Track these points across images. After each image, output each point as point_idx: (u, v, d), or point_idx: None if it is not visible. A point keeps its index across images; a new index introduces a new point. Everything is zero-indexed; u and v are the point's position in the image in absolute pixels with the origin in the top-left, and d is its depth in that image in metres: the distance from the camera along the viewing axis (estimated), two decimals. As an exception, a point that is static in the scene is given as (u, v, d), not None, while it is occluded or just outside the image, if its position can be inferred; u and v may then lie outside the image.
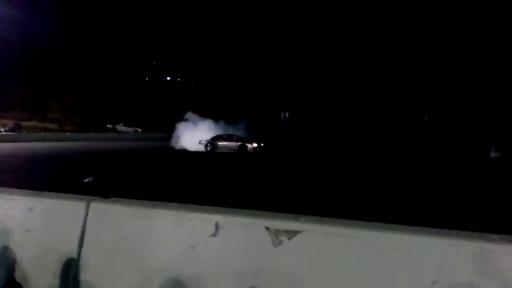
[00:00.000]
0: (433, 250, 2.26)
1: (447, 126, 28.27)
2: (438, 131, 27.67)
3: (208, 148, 29.01)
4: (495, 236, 2.21)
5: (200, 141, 29.48)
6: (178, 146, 30.41)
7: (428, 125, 31.33)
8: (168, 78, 57.01)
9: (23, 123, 43.47)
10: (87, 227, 3.00)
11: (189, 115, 32.95)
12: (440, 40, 31.03)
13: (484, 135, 24.82)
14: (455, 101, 28.25)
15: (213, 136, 30.01)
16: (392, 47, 33.62)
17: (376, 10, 34.87)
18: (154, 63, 54.74)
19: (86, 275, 2.91)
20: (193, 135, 30.50)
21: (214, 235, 2.62)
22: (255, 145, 28.39)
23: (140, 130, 47.49)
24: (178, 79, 56.68)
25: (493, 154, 24.12)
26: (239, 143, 28.60)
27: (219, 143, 29.14)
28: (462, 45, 29.67)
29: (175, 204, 2.92)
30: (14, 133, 38.20)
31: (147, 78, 55.41)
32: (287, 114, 37.25)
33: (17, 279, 3.05)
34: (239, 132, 30.88)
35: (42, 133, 40.39)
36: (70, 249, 2.97)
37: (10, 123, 42.37)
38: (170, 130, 33.19)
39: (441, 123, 29.69)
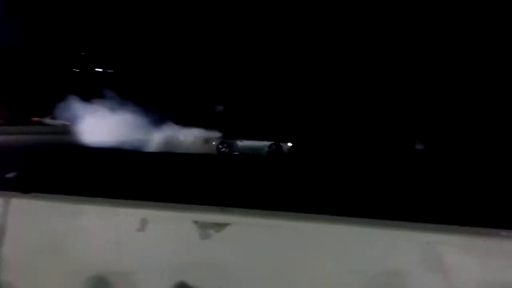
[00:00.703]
0: (363, 239, 2.37)
1: (374, 118, 29.21)
2: (365, 124, 28.51)
3: (222, 149, 21.63)
4: (436, 226, 2.33)
5: (206, 140, 22.30)
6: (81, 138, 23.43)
7: (356, 118, 32.24)
8: (100, 70, 55.08)
9: None
10: (7, 225, 2.86)
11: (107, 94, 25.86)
12: (368, 31, 31.82)
13: (409, 128, 25.98)
14: (382, 94, 29.25)
15: (226, 132, 22.55)
16: (321, 40, 34.17)
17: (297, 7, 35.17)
18: (82, 53, 52.57)
19: (6, 274, 2.79)
20: (104, 124, 23.81)
21: (141, 230, 2.59)
22: (290, 144, 21.62)
23: (68, 123, 45.51)
24: (110, 71, 54.84)
25: (418, 147, 25.36)
26: (270, 142, 21.30)
27: (239, 142, 21.64)
28: (388, 36, 30.57)
29: (101, 199, 2.85)
30: None
31: (75, 69, 53.19)
32: (222, 107, 36.55)
33: None
34: (167, 127, 23.45)
35: (-38, 126, 37.75)
36: (-12, 248, 2.83)
37: None
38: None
39: (368, 116, 30.61)
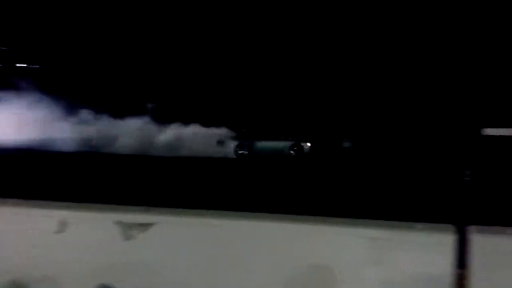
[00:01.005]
0: (288, 236, 2.39)
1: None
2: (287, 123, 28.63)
3: (241, 151, 19.01)
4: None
5: (219, 141, 19.23)
6: None
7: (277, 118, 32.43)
8: (24, 65, 52.36)
9: None
10: None
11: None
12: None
13: (336, 124, 26.47)
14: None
15: (242, 133, 19.88)
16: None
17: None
18: (6, 48, 49.78)
19: None
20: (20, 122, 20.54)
21: (59, 232, 2.47)
22: (309, 144, 19.55)
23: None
24: (36, 66, 52.26)
25: (345, 144, 26.07)
26: (290, 143, 19.19)
27: (259, 143, 19.35)
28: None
29: (14, 200, 2.70)
30: None
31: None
32: (153, 105, 35.52)
33: None
34: (92, 127, 20.22)
35: None
36: None
37: None
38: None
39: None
